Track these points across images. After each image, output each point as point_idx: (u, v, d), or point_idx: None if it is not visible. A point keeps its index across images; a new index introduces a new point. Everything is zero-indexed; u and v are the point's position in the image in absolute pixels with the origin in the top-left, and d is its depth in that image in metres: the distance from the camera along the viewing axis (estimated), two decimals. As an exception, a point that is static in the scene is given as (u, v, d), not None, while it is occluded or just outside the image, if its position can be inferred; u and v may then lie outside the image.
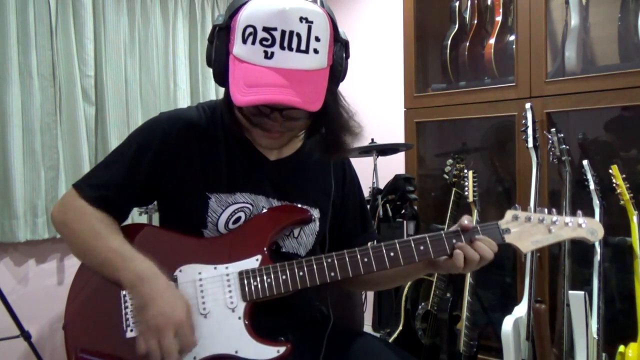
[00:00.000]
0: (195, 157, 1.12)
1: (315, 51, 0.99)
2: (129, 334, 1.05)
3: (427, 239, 1.07)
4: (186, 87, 3.02)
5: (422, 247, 1.07)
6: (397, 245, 1.07)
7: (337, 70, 1.04)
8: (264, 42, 0.96)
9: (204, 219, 1.11)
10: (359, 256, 1.07)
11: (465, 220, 1.08)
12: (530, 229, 1.09)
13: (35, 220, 2.48)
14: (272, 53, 0.96)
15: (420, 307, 2.34)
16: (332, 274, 1.06)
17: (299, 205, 1.16)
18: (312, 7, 0.99)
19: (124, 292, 1.06)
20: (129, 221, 1.18)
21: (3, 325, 2.16)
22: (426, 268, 1.14)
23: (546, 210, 1.11)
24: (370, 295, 2.68)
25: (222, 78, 1.02)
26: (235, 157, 1.14)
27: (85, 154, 2.59)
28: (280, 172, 1.17)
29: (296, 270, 1.06)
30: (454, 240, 1.07)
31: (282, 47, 0.96)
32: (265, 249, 1.09)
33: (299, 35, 0.97)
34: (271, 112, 1.02)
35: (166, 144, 1.11)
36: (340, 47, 1.05)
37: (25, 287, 2.54)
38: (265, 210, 1.14)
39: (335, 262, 1.07)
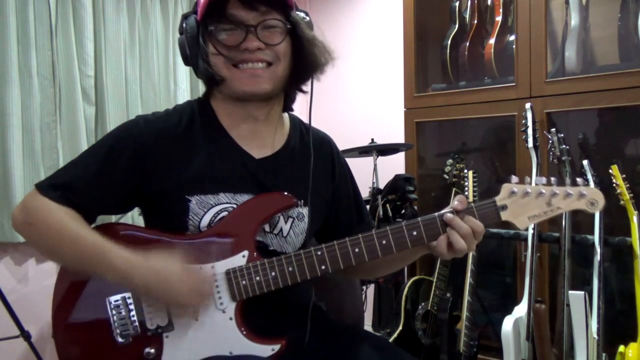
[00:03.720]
0: (173, 160, 1.09)
1: None
2: (120, 342, 1.03)
3: (420, 223, 1.03)
4: (186, 86, 3.02)
5: (414, 232, 1.03)
6: (389, 232, 1.03)
7: (305, 20, 1.11)
8: None
9: (184, 223, 1.07)
10: (349, 247, 1.03)
11: (456, 201, 1.03)
12: (527, 204, 1.02)
13: (35, 220, 2.47)
14: None
15: (420, 307, 2.34)
16: (323, 267, 1.03)
17: (285, 193, 1.11)
18: None
19: (109, 299, 1.04)
20: (128, 221, 1.18)
21: (3, 325, 2.15)
22: (423, 251, 1.10)
23: (545, 179, 1.04)
24: (370, 295, 2.68)
25: (197, 60, 1.07)
26: (217, 157, 1.11)
27: (85, 154, 2.59)
28: (265, 170, 1.13)
29: (285, 266, 1.03)
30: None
31: None
32: (251, 243, 1.06)
33: None
34: (247, 32, 1.04)
35: (142, 148, 1.07)
36: (301, 11, 1.13)
37: (25, 287, 2.54)
38: (246, 201, 1.09)
39: (326, 254, 1.03)
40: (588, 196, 1.04)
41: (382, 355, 1.12)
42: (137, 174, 1.08)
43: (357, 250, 1.03)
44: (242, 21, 1.04)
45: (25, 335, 2.13)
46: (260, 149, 1.15)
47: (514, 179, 1.04)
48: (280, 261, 1.04)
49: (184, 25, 1.09)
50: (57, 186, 1.06)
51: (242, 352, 1.02)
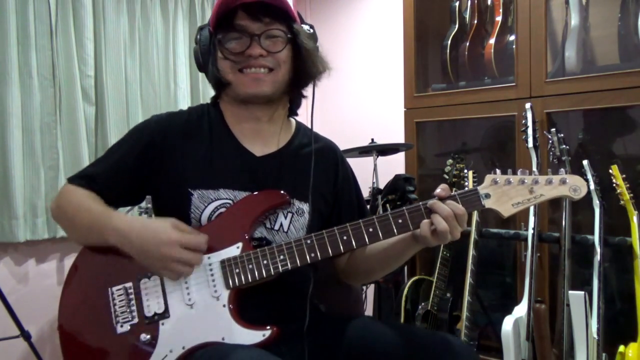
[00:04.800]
0: (179, 156, 1.19)
1: None
2: (120, 330, 1.09)
3: (405, 211, 1.08)
4: (186, 86, 3.01)
5: (400, 220, 1.08)
6: (376, 221, 1.08)
7: (308, 33, 1.20)
8: None
9: (187, 216, 1.15)
10: (337, 235, 1.09)
11: (439, 189, 1.08)
12: (510, 192, 1.07)
13: (35, 220, 2.47)
14: None
15: (420, 307, 2.34)
16: (312, 254, 1.09)
17: (282, 192, 1.17)
18: None
19: (111, 289, 1.11)
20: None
21: (3, 325, 2.15)
22: (416, 244, 1.12)
23: (528, 171, 1.08)
24: (370, 295, 2.68)
25: (208, 67, 1.19)
26: (220, 154, 1.20)
27: (85, 154, 2.59)
28: (266, 167, 1.21)
29: (277, 254, 1.09)
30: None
31: None
32: (245, 235, 1.12)
33: None
34: (251, 40, 1.14)
35: (153, 144, 1.19)
36: (306, 24, 1.22)
37: (25, 287, 2.54)
38: (242, 198, 1.16)
39: (315, 242, 1.09)
40: (570, 182, 1.06)
41: (372, 328, 1.17)
42: (147, 167, 1.19)
43: (345, 238, 1.09)
44: (247, 30, 1.14)
45: (25, 335, 2.13)
46: (263, 148, 1.23)
47: (498, 171, 1.08)
48: (272, 250, 1.10)
49: (199, 36, 1.20)
50: (82, 177, 1.22)
51: (234, 337, 1.06)
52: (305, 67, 1.20)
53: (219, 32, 1.16)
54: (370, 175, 2.51)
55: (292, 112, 1.31)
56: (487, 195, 1.07)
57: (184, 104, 2.98)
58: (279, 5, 1.14)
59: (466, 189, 1.09)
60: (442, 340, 1.12)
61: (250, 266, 1.08)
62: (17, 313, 2.13)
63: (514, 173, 1.08)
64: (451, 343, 1.10)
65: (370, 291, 2.71)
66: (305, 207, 1.21)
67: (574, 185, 1.06)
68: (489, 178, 1.08)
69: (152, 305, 1.09)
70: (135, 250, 1.08)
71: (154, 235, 1.06)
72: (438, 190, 1.07)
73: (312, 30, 1.23)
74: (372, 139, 2.50)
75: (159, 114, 1.26)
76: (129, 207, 2.56)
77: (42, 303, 2.49)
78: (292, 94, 1.26)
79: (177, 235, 1.06)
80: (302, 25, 1.21)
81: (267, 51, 1.15)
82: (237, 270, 1.09)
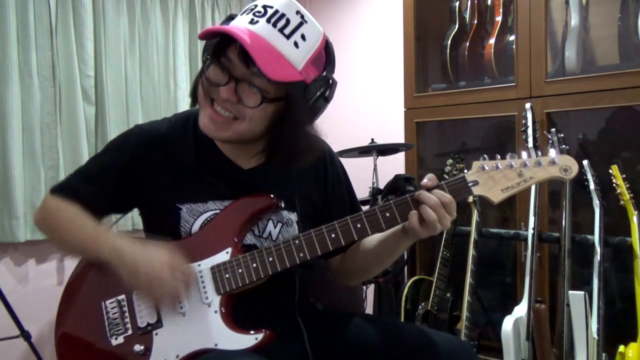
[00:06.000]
0: (164, 170, 1.15)
1: (296, 45, 1.02)
2: (114, 342, 1.09)
3: (392, 204, 1.05)
4: (186, 87, 3.01)
5: (387, 214, 1.05)
6: (363, 216, 1.06)
7: (310, 95, 1.06)
8: (256, 14, 1.02)
9: (177, 230, 1.14)
10: (325, 233, 1.06)
11: (426, 179, 1.05)
12: (499, 177, 1.02)
13: (35, 220, 2.48)
14: (258, 21, 1.01)
15: (420, 307, 2.34)
16: (301, 254, 1.07)
17: (271, 195, 1.15)
18: (314, 19, 1.06)
19: (104, 303, 1.11)
20: (129, 221, 1.20)
21: (3, 325, 2.16)
22: (407, 237, 1.10)
23: (516, 155, 1.04)
24: (370, 295, 2.68)
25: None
26: (207, 167, 1.16)
27: (85, 154, 2.59)
28: (253, 180, 1.18)
29: (265, 256, 1.08)
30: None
31: (268, 21, 1.01)
32: (235, 240, 1.11)
33: (288, 20, 1.02)
34: (228, 80, 1.02)
35: (134, 158, 1.15)
36: (323, 80, 1.08)
37: (25, 287, 2.54)
38: (229, 204, 1.14)
39: (303, 242, 1.07)
40: (560, 163, 1.03)
41: (367, 327, 1.16)
42: (131, 181, 1.16)
43: (333, 235, 1.07)
44: (229, 69, 1.03)
45: (25, 335, 2.13)
46: (249, 160, 1.19)
47: (485, 157, 1.05)
48: (260, 252, 1.08)
49: (207, 44, 1.09)
50: (65, 189, 1.19)
51: (227, 342, 1.05)
52: (282, 138, 1.08)
53: (209, 53, 1.06)
54: (370, 175, 2.50)
55: (275, 160, 1.16)
56: (475, 182, 1.03)
57: (184, 104, 2.98)
58: (267, 74, 0.98)
59: (454, 178, 1.05)
60: (441, 340, 1.11)
61: (240, 270, 1.07)
62: (17, 313, 2.13)
63: (503, 158, 1.05)
64: (450, 343, 1.10)
65: (370, 291, 2.70)
66: (293, 216, 1.19)
67: (564, 165, 1.03)
68: (476, 165, 1.04)
69: (145, 316, 1.09)
70: (125, 267, 1.06)
71: (149, 256, 1.05)
72: (425, 181, 1.04)
73: (320, 92, 1.07)
74: (372, 139, 2.50)
75: (142, 125, 1.21)
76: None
77: (42, 303, 2.49)
78: (269, 146, 1.13)
79: (169, 263, 1.05)
80: (316, 81, 1.06)
81: (238, 99, 1.03)
82: (227, 276, 1.08)
